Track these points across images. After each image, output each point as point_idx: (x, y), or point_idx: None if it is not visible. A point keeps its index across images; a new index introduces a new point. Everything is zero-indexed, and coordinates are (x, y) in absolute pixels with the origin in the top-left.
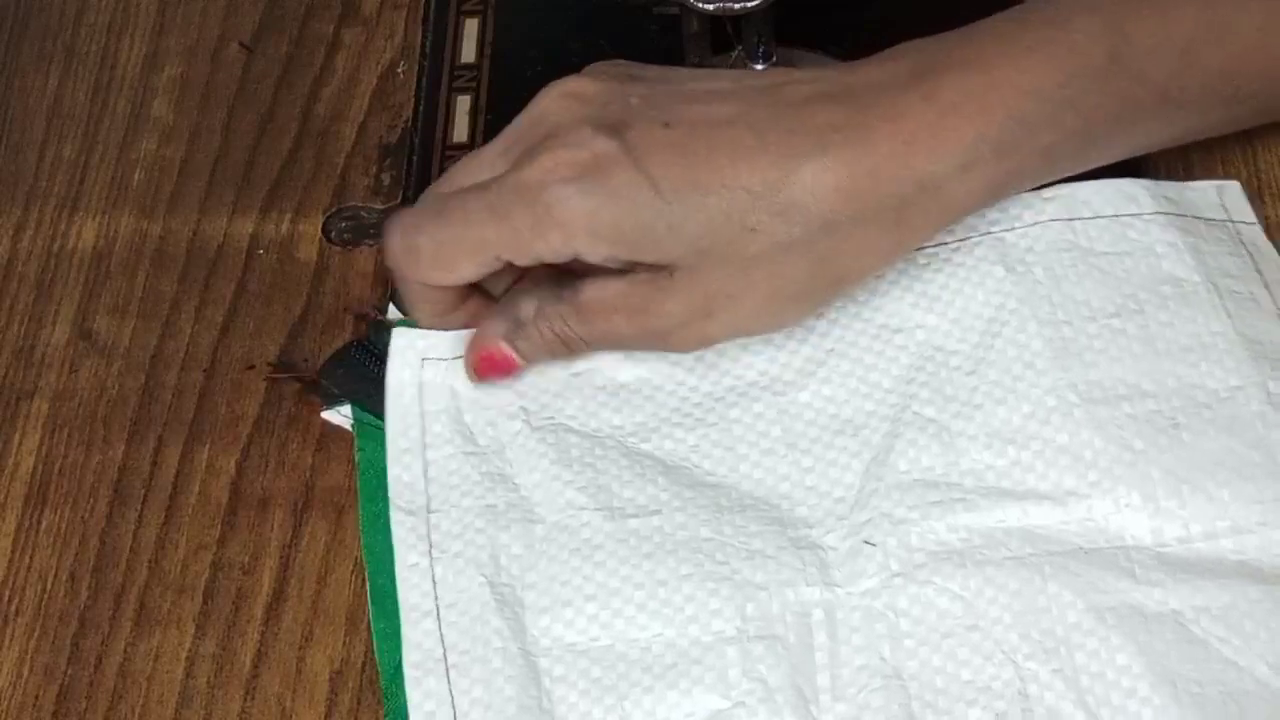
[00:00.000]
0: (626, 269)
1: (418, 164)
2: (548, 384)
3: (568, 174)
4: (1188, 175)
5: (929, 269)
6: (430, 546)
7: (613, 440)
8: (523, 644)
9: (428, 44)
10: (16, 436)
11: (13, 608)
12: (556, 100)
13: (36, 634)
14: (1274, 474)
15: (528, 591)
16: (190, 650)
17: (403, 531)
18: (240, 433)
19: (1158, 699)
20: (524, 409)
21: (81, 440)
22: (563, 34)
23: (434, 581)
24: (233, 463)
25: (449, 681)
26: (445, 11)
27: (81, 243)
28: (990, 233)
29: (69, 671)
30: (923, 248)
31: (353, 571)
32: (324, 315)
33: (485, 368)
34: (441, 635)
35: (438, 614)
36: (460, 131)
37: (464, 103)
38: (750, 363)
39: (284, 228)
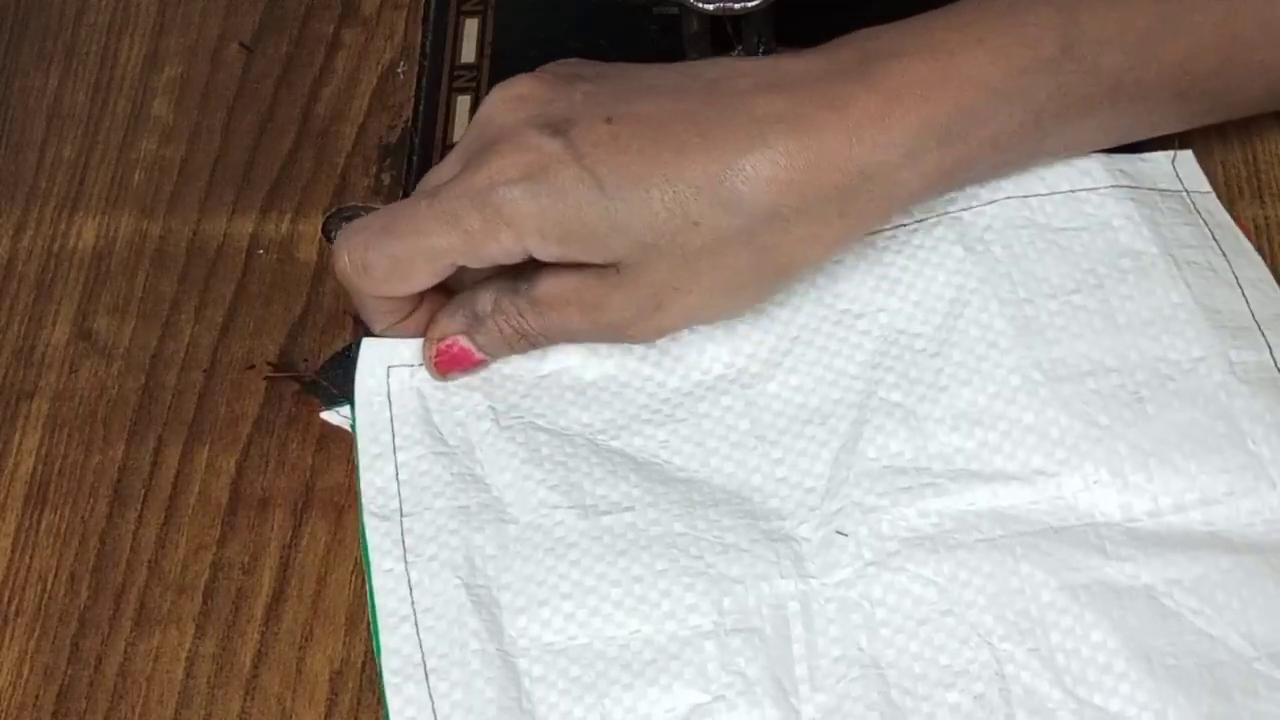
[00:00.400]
0: (579, 265)
1: (418, 164)
2: (515, 384)
3: (514, 175)
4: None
5: (888, 252)
6: (405, 551)
7: (582, 438)
8: (500, 645)
9: (428, 44)
10: (16, 436)
11: (13, 608)
12: (500, 104)
13: (36, 634)
14: (1238, 444)
15: (503, 592)
16: (190, 650)
17: (377, 538)
18: (240, 433)
19: (1134, 673)
20: (492, 409)
21: (81, 440)
22: (563, 34)
23: (410, 586)
24: (233, 463)
25: (429, 686)
26: (445, 11)
27: (81, 243)
28: (948, 213)
29: (69, 671)
30: (880, 230)
31: (352, 571)
32: (324, 315)
33: (445, 363)
34: (420, 640)
35: (415, 619)
36: (460, 132)
37: (464, 103)
38: (716, 354)
39: (284, 228)
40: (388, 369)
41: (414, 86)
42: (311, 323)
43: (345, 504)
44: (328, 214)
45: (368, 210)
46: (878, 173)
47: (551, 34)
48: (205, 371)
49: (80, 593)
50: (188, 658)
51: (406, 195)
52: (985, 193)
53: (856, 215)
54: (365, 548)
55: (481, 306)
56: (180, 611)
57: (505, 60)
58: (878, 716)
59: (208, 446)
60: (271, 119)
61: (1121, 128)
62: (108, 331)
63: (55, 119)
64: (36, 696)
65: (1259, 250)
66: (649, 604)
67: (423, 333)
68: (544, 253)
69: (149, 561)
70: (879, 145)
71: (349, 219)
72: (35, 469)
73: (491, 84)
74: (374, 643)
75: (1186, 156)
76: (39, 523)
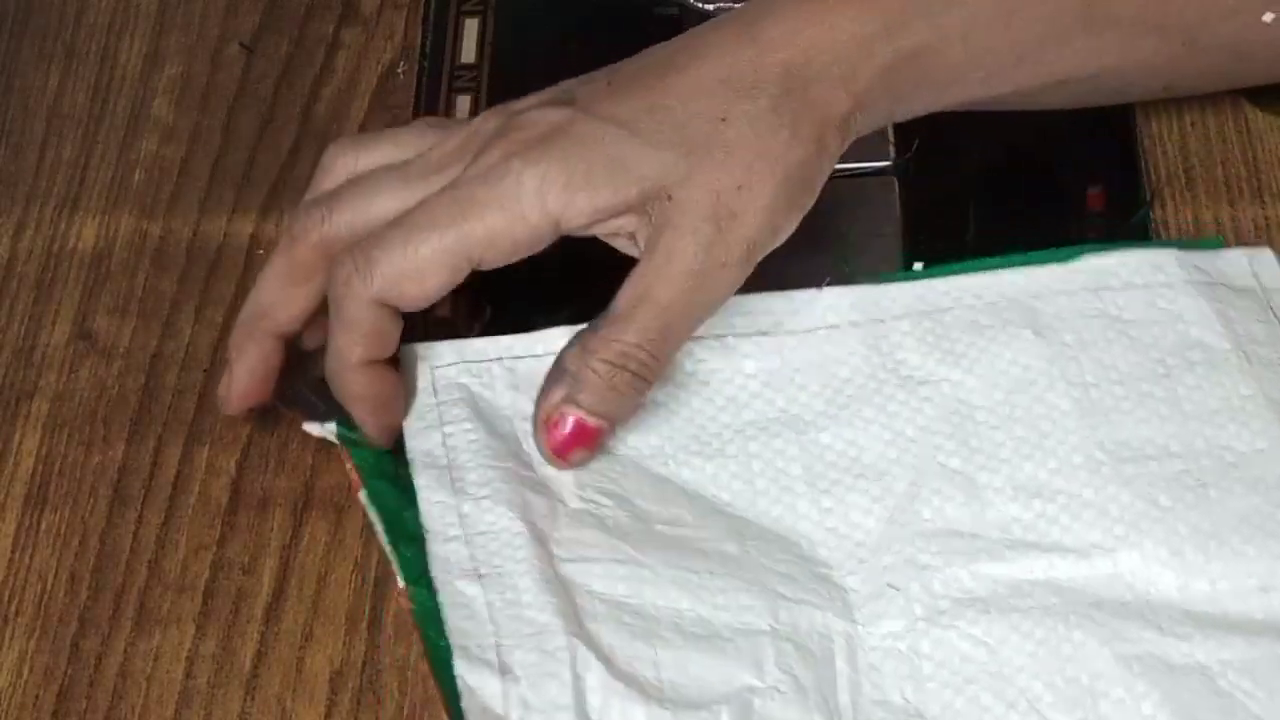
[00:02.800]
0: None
1: None
2: None
3: (528, 143)
4: (1188, 174)
5: (954, 328)
6: (453, 491)
7: (630, 460)
8: (557, 573)
9: (428, 44)
10: (16, 436)
11: (13, 608)
12: (492, 113)
13: (36, 634)
14: None
15: (557, 546)
16: (190, 650)
17: (425, 479)
18: (240, 433)
19: None
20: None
21: (81, 440)
22: (563, 34)
23: (460, 515)
24: (233, 463)
25: (481, 584)
26: (445, 11)
27: (81, 243)
28: (1017, 299)
29: (69, 671)
30: (946, 309)
31: (353, 571)
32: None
33: (563, 444)
34: (471, 554)
35: (464, 538)
36: None
37: (464, 103)
38: (771, 398)
39: (284, 228)
40: (432, 369)
41: (414, 86)
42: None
43: (345, 504)
44: None
45: None
46: (868, 41)
47: (551, 34)
48: (205, 371)
49: (80, 593)
50: (188, 658)
51: None
52: (1056, 284)
53: (859, 79)
54: (387, 502)
55: (571, 363)
56: (180, 611)
57: (505, 60)
58: None
59: (208, 446)
60: (271, 119)
61: (1095, 62)
62: (108, 331)
63: (55, 119)
64: (36, 696)
65: None
66: (706, 591)
67: (384, 412)
68: (575, 214)
69: (149, 561)
70: (861, 20)
71: None
72: (35, 469)
73: (492, 84)
74: (407, 569)
75: (1265, 257)
76: (39, 523)
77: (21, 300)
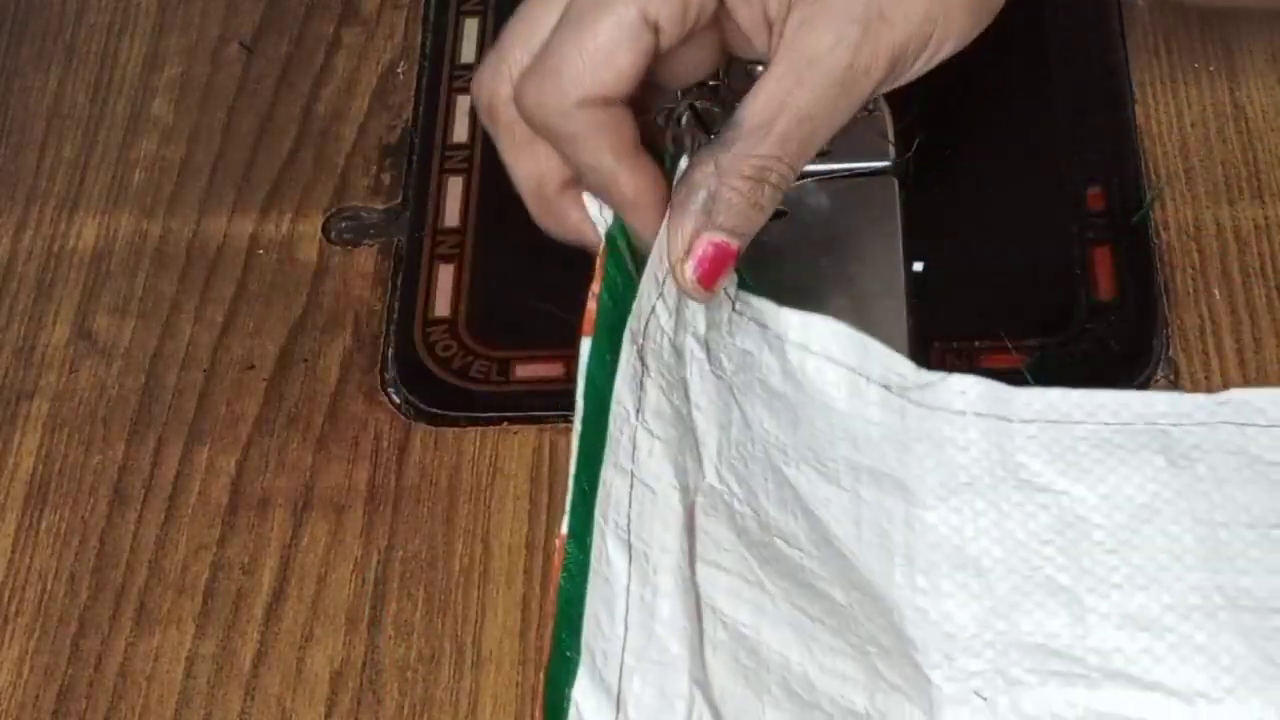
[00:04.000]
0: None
1: (418, 164)
2: (719, 336)
3: None
4: (1188, 174)
5: (1085, 441)
6: (640, 407)
7: (761, 443)
8: (694, 575)
9: (428, 44)
10: (16, 436)
11: (13, 608)
12: None
13: (36, 634)
14: None
15: (696, 537)
16: (190, 650)
17: (625, 364)
18: (240, 433)
19: None
20: (706, 342)
21: (81, 440)
22: None
23: (634, 445)
24: (233, 463)
25: (629, 561)
26: (445, 11)
27: (81, 243)
28: (1156, 424)
29: (69, 671)
30: (1078, 422)
31: (353, 571)
32: (324, 315)
33: (708, 272)
34: (630, 511)
35: (632, 482)
36: (460, 131)
37: (464, 103)
38: (885, 455)
39: (284, 228)
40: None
41: (414, 86)
42: (311, 323)
43: (345, 504)
44: (328, 214)
45: (368, 210)
46: None
47: None
48: (205, 371)
49: (80, 593)
50: (188, 658)
51: (406, 196)
52: (1199, 414)
53: None
54: (598, 371)
55: (705, 182)
56: (180, 611)
57: None
58: None
59: (208, 446)
60: (271, 119)
61: None
62: (108, 331)
63: (55, 119)
64: (36, 696)
65: (1259, 251)
66: (817, 646)
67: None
68: None
69: (149, 561)
70: None
71: (349, 219)
72: (35, 469)
73: None
74: (581, 471)
75: None
76: (39, 523)
77: (21, 300)
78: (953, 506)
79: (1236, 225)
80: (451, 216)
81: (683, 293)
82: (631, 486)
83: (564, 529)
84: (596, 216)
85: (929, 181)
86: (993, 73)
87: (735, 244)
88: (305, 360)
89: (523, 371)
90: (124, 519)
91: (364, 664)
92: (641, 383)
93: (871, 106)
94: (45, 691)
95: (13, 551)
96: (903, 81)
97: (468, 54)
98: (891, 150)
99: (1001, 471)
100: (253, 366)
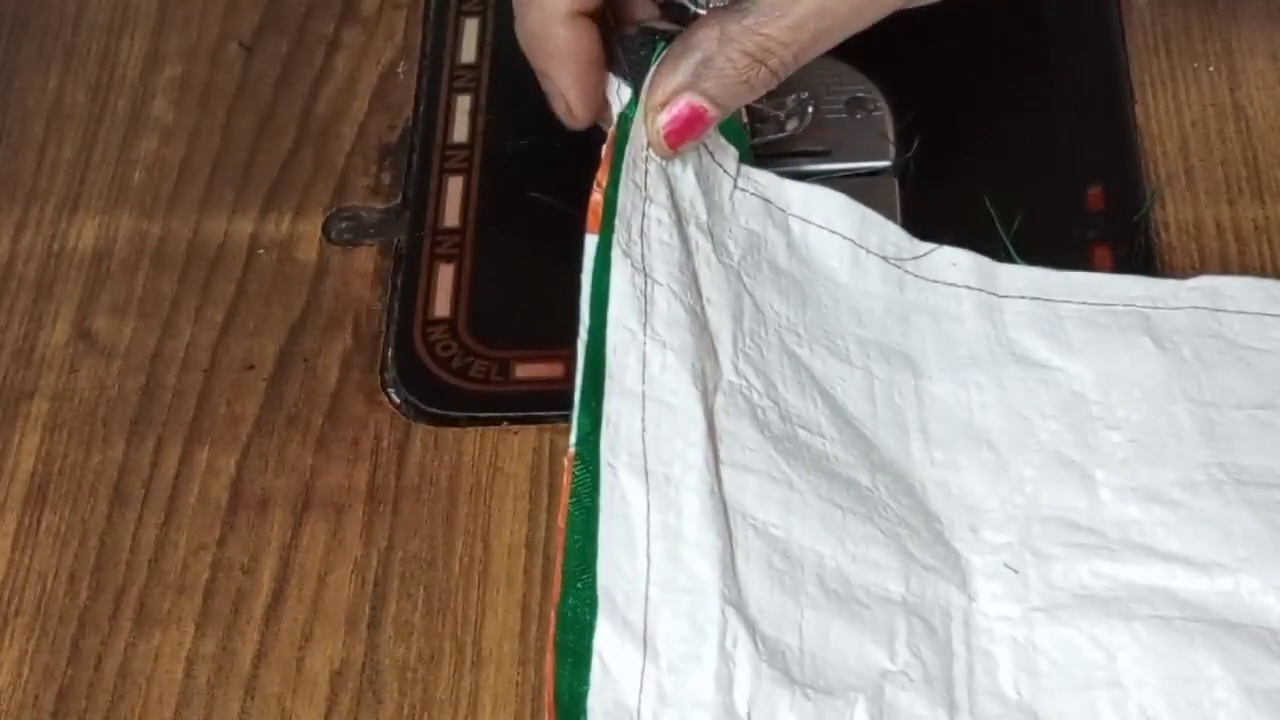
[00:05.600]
0: None
1: (418, 164)
2: (722, 219)
3: None
4: (1188, 174)
5: (1071, 320)
6: (646, 320)
7: (774, 327)
8: (720, 486)
9: (428, 44)
10: (16, 436)
11: (13, 608)
12: None
13: (36, 634)
14: None
15: (719, 440)
16: (190, 650)
17: (621, 283)
18: (240, 433)
19: None
20: (709, 230)
21: (81, 440)
22: None
23: (643, 362)
24: (233, 463)
25: (647, 488)
26: (445, 11)
27: (81, 243)
28: (1133, 305)
29: (69, 671)
30: (1064, 300)
31: (352, 571)
32: (324, 315)
33: (677, 131)
34: (643, 428)
35: (643, 402)
36: (460, 131)
37: (464, 103)
38: (890, 328)
39: (284, 228)
40: (631, 121)
41: (414, 86)
42: (311, 323)
43: (345, 504)
44: (328, 214)
45: (368, 210)
46: None
47: None
48: (205, 371)
49: (80, 593)
50: (187, 658)
51: (406, 196)
52: (1171, 299)
53: None
54: (600, 288)
55: (705, 46)
56: (180, 611)
57: (505, 60)
58: None
59: (208, 446)
60: (271, 119)
61: None
62: (108, 331)
63: (55, 119)
64: (36, 696)
65: (1259, 251)
66: (848, 538)
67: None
68: None
69: (149, 561)
70: None
71: (349, 219)
72: (35, 469)
73: (491, 84)
74: (583, 410)
75: None
76: (39, 523)
77: (21, 300)
78: (957, 380)
79: (1236, 225)
80: (451, 216)
81: (649, 143)
82: (644, 409)
83: (571, 446)
84: (613, 97)
85: (929, 181)
86: (993, 73)
87: (713, 112)
88: (305, 360)
89: (523, 371)
90: (124, 519)
91: (364, 664)
92: (646, 294)
93: (872, 106)
94: (45, 691)
95: (13, 551)
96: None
97: (468, 54)
98: (891, 150)
99: (998, 346)
100: (253, 366)
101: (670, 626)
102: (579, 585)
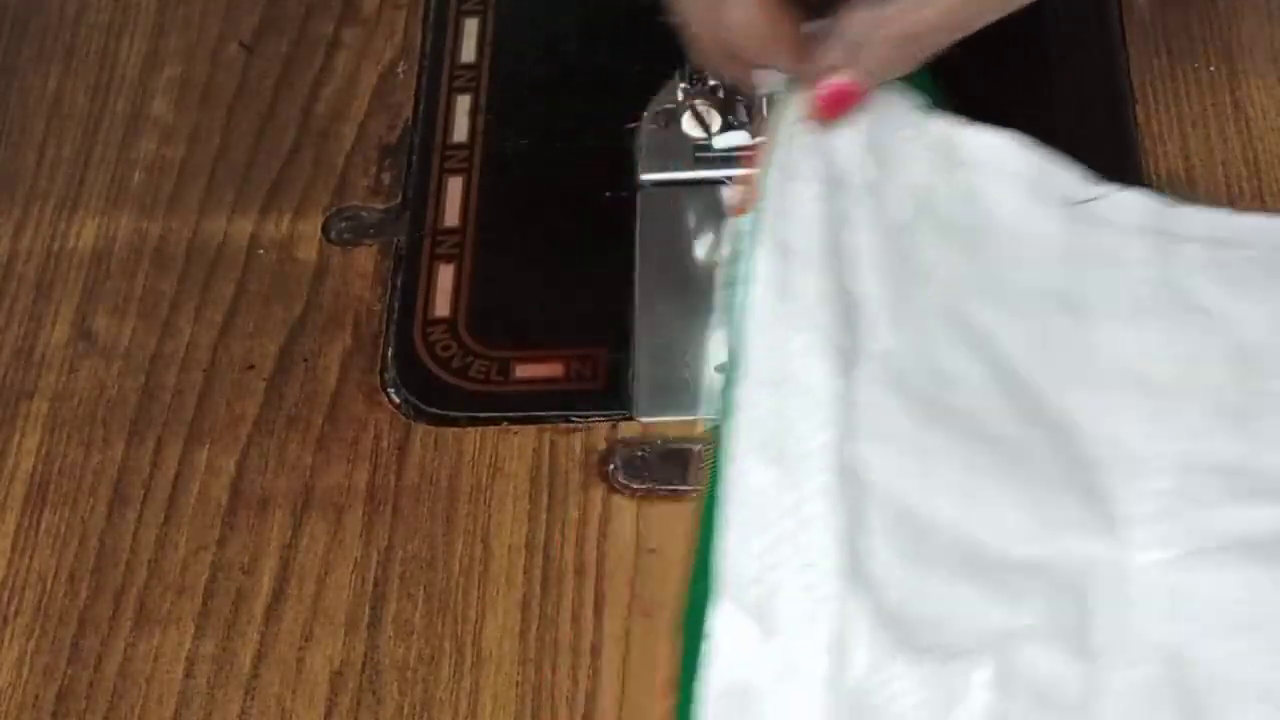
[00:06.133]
0: None
1: (418, 164)
2: (889, 177)
3: None
4: (1188, 174)
5: (1248, 265)
6: (783, 298)
7: (936, 287)
8: (844, 464)
9: (428, 44)
10: (16, 436)
11: (12, 608)
12: None
13: (36, 634)
14: None
15: (850, 406)
16: (190, 650)
17: (765, 267)
18: (240, 433)
19: None
20: (872, 193)
21: (81, 440)
22: (563, 34)
23: (780, 343)
24: (233, 463)
25: (773, 473)
26: (445, 11)
27: (81, 243)
28: None
29: (69, 672)
30: (1245, 244)
31: (352, 571)
32: (324, 315)
33: (830, 104)
34: (779, 414)
35: (775, 384)
36: (460, 131)
37: (464, 103)
38: (1060, 274)
39: (284, 228)
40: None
41: (414, 86)
42: (311, 323)
43: (345, 504)
44: (328, 214)
45: (368, 210)
46: None
47: (551, 34)
48: (205, 371)
49: (80, 593)
50: (188, 658)
51: (406, 196)
52: None
53: None
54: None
55: (858, 27)
56: (180, 611)
57: (505, 60)
58: (1172, 710)
59: (208, 446)
60: (271, 119)
61: None
62: (108, 331)
63: (55, 119)
64: (36, 696)
65: None
66: (980, 501)
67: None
68: None
69: (149, 561)
70: None
71: (349, 219)
72: (35, 469)
73: (491, 84)
74: (727, 384)
75: None
76: (39, 523)
77: (21, 300)
78: (1126, 325)
79: None
80: (451, 216)
81: (803, 118)
82: (775, 394)
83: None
84: (764, 81)
85: None
86: (993, 73)
87: (863, 87)
88: (305, 360)
89: (523, 371)
90: (124, 519)
91: (364, 664)
92: (786, 276)
93: None
94: (45, 691)
95: (12, 551)
96: None
97: (468, 54)
98: None
99: (1169, 291)
100: (252, 366)
101: (787, 603)
102: (703, 566)
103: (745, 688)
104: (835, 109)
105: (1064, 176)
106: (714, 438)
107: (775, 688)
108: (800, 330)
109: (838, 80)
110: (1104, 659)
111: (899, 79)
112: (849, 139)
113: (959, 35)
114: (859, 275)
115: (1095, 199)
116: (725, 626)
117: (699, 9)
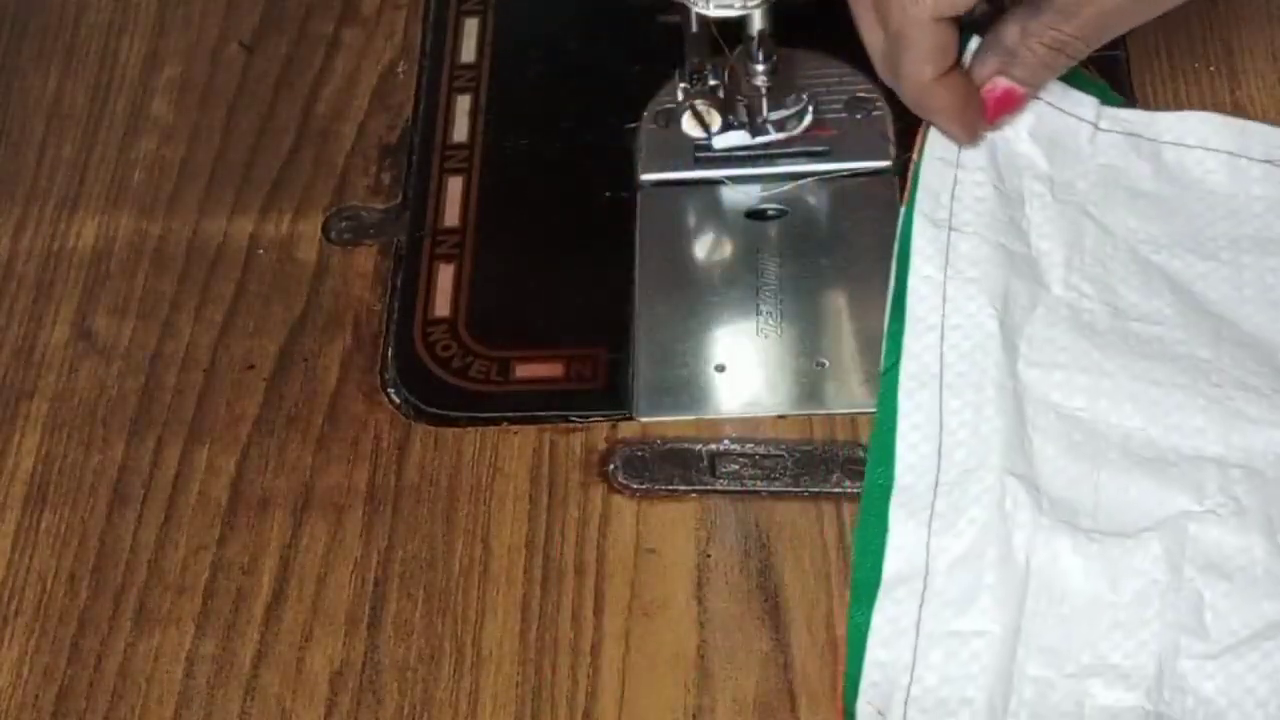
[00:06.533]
0: None
1: (418, 164)
2: (1076, 164)
3: None
4: None
5: None
6: (947, 264)
7: (1125, 242)
8: (1015, 384)
9: (428, 44)
10: (16, 436)
11: (13, 608)
12: None
13: (36, 634)
14: None
15: (1024, 341)
16: (190, 650)
17: (922, 242)
18: (240, 433)
19: None
20: (1050, 176)
21: (81, 440)
22: (563, 34)
23: (944, 298)
24: (233, 463)
25: (940, 398)
26: (445, 11)
27: (81, 243)
28: None
29: (69, 671)
30: None
31: (352, 571)
32: (324, 315)
33: (993, 107)
34: (942, 353)
35: (941, 331)
36: (460, 131)
37: (464, 103)
38: (1271, 223)
39: (284, 228)
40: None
41: (414, 86)
42: (311, 323)
43: (345, 504)
44: (328, 214)
45: (368, 210)
46: None
47: (551, 34)
48: (205, 371)
49: (80, 593)
50: (187, 658)
51: (406, 196)
52: None
53: None
54: (906, 245)
55: (1010, 39)
56: (180, 611)
57: (505, 60)
58: None
59: (208, 446)
60: (271, 119)
61: None
62: (108, 331)
63: (55, 119)
64: (36, 696)
65: None
66: (1160, 410)
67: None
68: None
69: (149, 561)
70: None
71: (349, 219)
72: (35, 469)
73: (491, 84)
74: (890, 346)
75: None
76: (39, 523)
77: (21, 300)
78: None
79: None
80: (451, 216)
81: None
82: (943, 336)
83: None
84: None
85: None
86: None
87: (1021, 90)
88: (305, 360)
89: (523, 371)
90: (124, 519)
91: (364, 664)
92: (949, 243)
93: (871, 106)
94: (45, 691)
95: (12, 551)
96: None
97: (468, 54)
98: (891, 150)
99: None
100: (253, 366)
101: (951, 499)
102: (878, 477)
103: (921, 572)
104: (996, 111)
105: (1274, 137)
106: (885, 378)
107: (949, 570)
108: (965, 283)
109: (996, 85)
110: None
111: (1063, 79)
112: (1018, 137)
113: (1098, 44)
114: (1030, 242)
115: None
116: (898, 524)
117: (877, 54)
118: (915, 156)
